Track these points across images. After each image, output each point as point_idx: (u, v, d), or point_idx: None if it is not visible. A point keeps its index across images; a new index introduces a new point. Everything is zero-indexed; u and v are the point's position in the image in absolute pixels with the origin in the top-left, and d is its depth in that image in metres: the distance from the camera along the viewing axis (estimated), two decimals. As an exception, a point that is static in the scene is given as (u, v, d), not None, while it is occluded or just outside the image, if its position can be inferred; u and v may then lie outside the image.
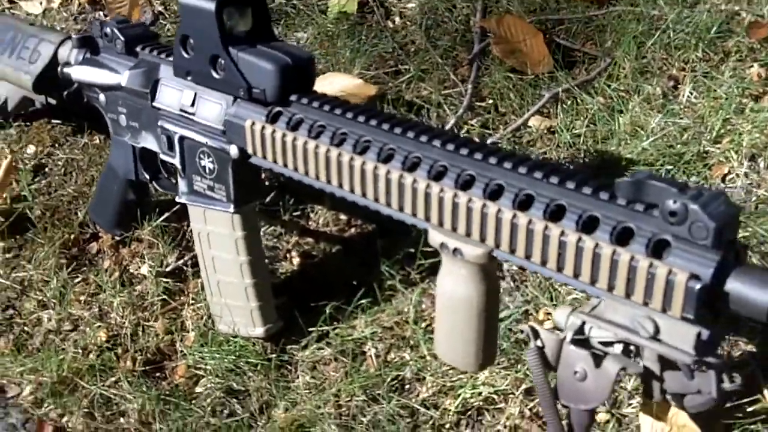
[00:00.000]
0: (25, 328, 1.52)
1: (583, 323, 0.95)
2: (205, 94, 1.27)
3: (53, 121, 1.80)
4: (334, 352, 1.40)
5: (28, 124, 1.81)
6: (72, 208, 1.67)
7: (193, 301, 1.49)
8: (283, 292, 1.49)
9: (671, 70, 1.69)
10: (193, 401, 1.38)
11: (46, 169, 1.75)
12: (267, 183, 1.60)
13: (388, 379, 1.37)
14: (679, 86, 1.67)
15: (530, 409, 1.33)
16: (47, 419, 1.39)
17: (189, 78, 1.28)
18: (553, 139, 1.63)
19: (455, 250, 1.03)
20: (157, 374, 1.44)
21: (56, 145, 1.78)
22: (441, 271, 1.08)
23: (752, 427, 1.26)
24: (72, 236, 1.62)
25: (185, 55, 1.26)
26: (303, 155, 1.14)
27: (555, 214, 0.93)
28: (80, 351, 1.45)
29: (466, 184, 1.00)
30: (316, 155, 1.12)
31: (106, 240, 1.60)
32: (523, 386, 1.34)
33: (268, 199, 1.57)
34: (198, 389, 1.40)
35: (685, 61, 1.69)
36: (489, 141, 1.63)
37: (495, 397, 1.33)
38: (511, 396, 1.34)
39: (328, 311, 1.42)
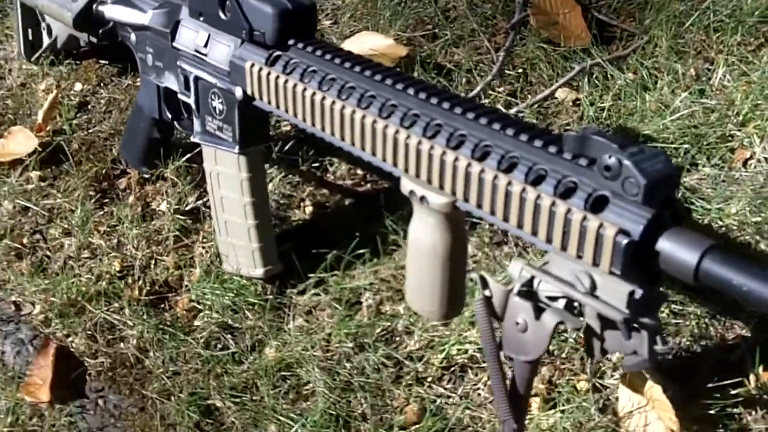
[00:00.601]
0: (47, 253, 1.59)
1: (533, 277, 0.96)
2: (216, 36, 1.32)
3: (101, 61, 1.87)
4: (330, 299, 1.43)
5: (77, 62, 1.88)
6: (107, 144, 1.74)
7: (204, 240, 1.54)
8: (290, 238, 1.52)
9: (708, 53, 1.66)
10: (190, 334, 1.43)
11: (89, 107, 1.82)
12: (292, 133, 1.64)
13: (378, 330, 1.40)
14: (712, 68, 1.64)
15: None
16: (53, 338, 1.46)
17: (201, 19, 1.33)
18: (577, 111, 1.62)
19: (422, 198, 1.05)
20: (161, 305, 1.49)
21: (101, 84, 1.86)
22: (412, 219, 1.10)
23: (735, 410, 1.24)
24: (104, 171, 1.69)
25: (197, -6, 1.31)
26: (293, 98, 1.17)
27: (507, 166, 0.94)
28: (93, 277, 1.51)
29: (432, 133, 1.02)
30: (303, 98, 1.15)
31: (133, 176, 1.66)
32: (507, 348, 1.35)
33: (286, 148, 1.61)
34: (196, 323, 1.45)
35: (723, 44, 1.66)
36: (514, 110, 1.63)
37: (478, 355, 1.34)
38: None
39: (329, 259, 1.45)
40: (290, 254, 1.45)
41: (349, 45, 1.71)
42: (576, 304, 0.94)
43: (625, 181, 0.84)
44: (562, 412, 1.28)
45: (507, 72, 1.70)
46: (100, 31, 1.59)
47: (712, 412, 1.24)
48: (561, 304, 0.95)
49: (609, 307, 0.90)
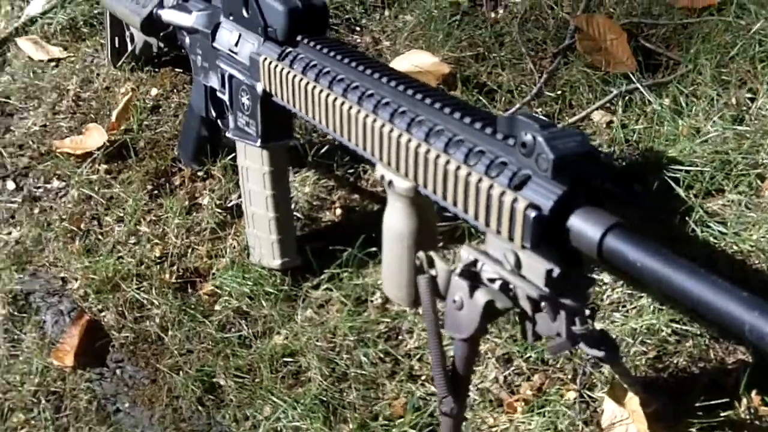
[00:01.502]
0: (99, 237, 1.72)
1: (476, 259, 1.00)
2: (245, 35, 1.41)
3: (176, 69, 2.01)
4: (341, 294, 1.50)
5: (156, 69, 2.03)
6: (170, 144, 1.86)
7: (237, 234, 1.63)
8: (318, 238, 1.60)
9: (753, 83, 1.64)
10: (208, 317, 1.52)
11: (160, 110, 1.96)
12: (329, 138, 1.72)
13: (381, 327, 1.45)
14: (755, 99, 1.62)
15: (504, 376, 1.37)
16: (88, 311, 1.58)
17: (231, 18, 1.43)
18: (609, 133, 1.64)
19: (390, 183, 1.11)
20: (188, 290, 1.59)
21: (174, 90, 1.99)
22: (387, 205, 1.15)
23: (720, 432, 1.23)
24: (163, 167, 1.82)
25: (227, -5, 1.41)
26: (293, 89, 1.26)
27: (448, 145, 0.99)
28: (133, 260, 1.63)
29: (395, 117, 1.08)
30: (300, 89, 1.24)
31: (186, 173, 1.78)
32: (499, 351, 1.38)
33: (322, 152, 1.69)
34: (216, 307, 1.54)
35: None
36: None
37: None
38: (487, 359, 1.37)
39: (344, 257, 1.51)
40: (305, 249, 1.51)
41: (397, 62, 1.79)
42: (511, 286, 0.98)
43: (539, 157, 0.88)
44: (543, 415, 1.30)
45: (547, 93, 1.73)
46: (161, 34, 1.72)
47: (693, 431, 1.23)
48: (497, 285, 0.98)
49: (530, 285, 0.93)
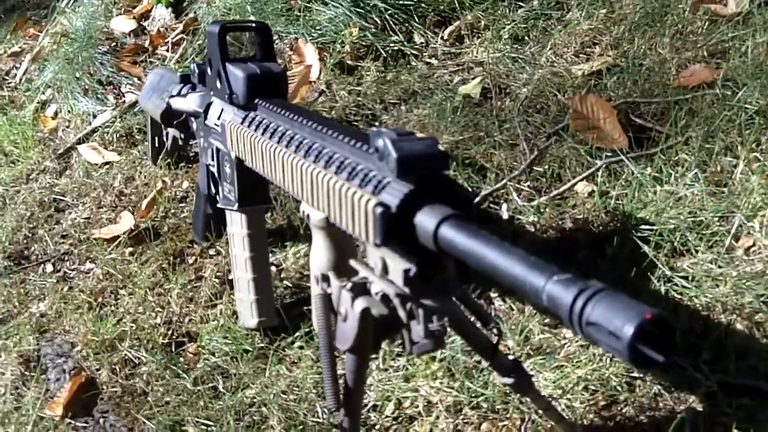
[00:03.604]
0: (113, 308, 1.84)
1: (366, 276, 1.05)
2: (225, 107, 1.54)
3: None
4: (312, 352, 1.55)
5: (190, 165, 2.19)
6: (190, 227, 1.99)
7: (230, 301, 1.72)
8: (304, 303, 1.66)
9: (736, 151, 1.65)
10: (188, 372, 1.59)
11: (188, 200, 2.11)
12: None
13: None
14: (737, 165, 1.62)
15: (454, 425, 1.37)
16: (86, 369, 1.68)
17: (212, 93, 1.57)
18: (589, 202, 1.66)
19: (308, 216, 1.18)
20: (178, 350, 1.67)
21: (203, 183, 2.14)
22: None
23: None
24: (180, 248, 1.94)
25: (209, 73, 1.55)
26: (249, 147, 1.36)
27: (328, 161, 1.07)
28: (134, 325, 1.73)
29: (304, 150, 1.16)
30: (252, 144, 1.34)
31: (197, 250, 1.90)
32: (449, 400, 1.39)
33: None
34: (199, 365, 1.61)
35: (751, 141, 1.64)
36: (535, 202, 1.70)
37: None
38: (437, 409, 1.39)
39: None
40: (279, 310, 1.58)
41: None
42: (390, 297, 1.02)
43: (387, 159, 0.94)
44: (484, 463, 1.29)
45: (536, 168, 1.77)
46: (175, 123, 1.87)
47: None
48: (380, 296, 1.02)
49: (391, 285, 0.97)
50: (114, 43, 2.89)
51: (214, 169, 1.65)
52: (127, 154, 2.40)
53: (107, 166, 2.38)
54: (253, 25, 1.53)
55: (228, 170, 1.57)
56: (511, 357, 1.19)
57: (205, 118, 1.64)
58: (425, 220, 0.90)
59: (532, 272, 0.75)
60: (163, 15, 2.93)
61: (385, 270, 0.99)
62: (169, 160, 2.19)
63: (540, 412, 1.30)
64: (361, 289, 1.03)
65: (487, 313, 1.12)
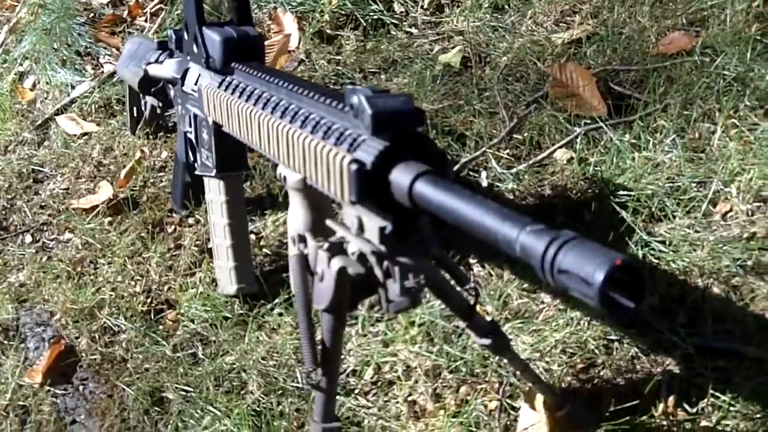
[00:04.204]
0: (91, 277, 1.83)
1: (343, 236, 1.04)
2: (202, 72, 1.53)
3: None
4: (291, 318, 1.55)
5: (169, 135, 2.18)
6: (169, 197, 1.98)
7: (209, 270, 1.71)
8: (284, 270, 1.66)
9: (715, 117, 1.65)
10: (167, 339, 1.59)
11: (167, 169, 2.10)
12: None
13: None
14: (715, 131, 1.63)
15: (433, 389, 1.38)
16: (66, 338, 1.68)
17: (189, 58, 1.56)
18: (567, 169, 1.66)
19: (284, 178, 1.18)
20: (157, 318, 1.67)
21: (182, 153, 2.13)
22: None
23: (633, 435, 1.22)
24: (159, 217, 1.93)
25: (186, 38, 1.54)
26: (223, 107, 1.35)
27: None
28: (114, 294, 1.73)
29: (286, 114, 1.16)
30: (227, 106, 1.33)
31: (176, 219, 1.89)
32: (428, 364, 1.39)
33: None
34: (178, 332, 1.61)
35: (729, 108, 1.64)
36: (514, 170, 1.70)
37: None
38: (417, 373, 1.39)
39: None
40: (258, 277, 1.58)
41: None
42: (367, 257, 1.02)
43: (362, 115, 0.94)
44: (461, 424, 1.30)
45: (515, 137, 1.77)
46: (152, 90, 1.86)
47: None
48: (356, 256, 1.02)
49: (367, 243, 0.97)
50: (92, 14, 2.86)
51: (192, 136, 1.64)
52: (106, 125, 2.38)
53: (86, 137, 2.36)
54: (230, -11, 1.52)
55: (206, 136, 1.56)
56: (488, 319, 1.19)
57: (183, 84, 1.63)
58: (400, 176, 0.90)
59: (505, 224, 0.76)
60: (142, -15, 2.90)
61: (361, 229, 0.99)
62: (147, 130, 2.17)
63: (518, 374, 1.31)
64: (337, 249, 1.03)
65: (463, 273, 1.12)
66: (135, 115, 2.19)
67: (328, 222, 1.06)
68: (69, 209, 2.07)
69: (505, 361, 1.28)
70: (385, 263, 0.97)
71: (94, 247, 1.91)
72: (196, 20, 1.47)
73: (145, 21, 2.72)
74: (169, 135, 2.18)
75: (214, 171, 1.54)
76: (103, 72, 2.61)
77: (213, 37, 1.43)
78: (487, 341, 1.16)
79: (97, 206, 2.00)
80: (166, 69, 1.70)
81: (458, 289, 1.12)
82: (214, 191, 1.57)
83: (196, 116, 1.60)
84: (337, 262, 1.01)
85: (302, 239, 1.08)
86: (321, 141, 1.03)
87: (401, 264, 0.95)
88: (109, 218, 1.98)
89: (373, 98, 0.93)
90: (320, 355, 1.08)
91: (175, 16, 2.61)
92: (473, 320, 1.15)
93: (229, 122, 1.35)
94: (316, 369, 1.07)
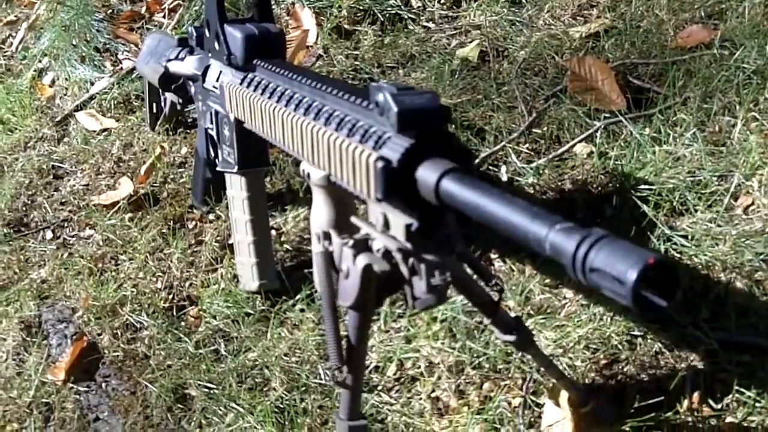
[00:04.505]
0: (113, 273, 1.84)
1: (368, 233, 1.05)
2: (224, 69, 1.53)
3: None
4: (313, 314, 1.55)
5: (189, 131, 2.19)
6: (190, 193, 1.99)
7: (230, 265, 1.72)
8: (305, 266, 1.67)
9: (735, 110, 1.65)
10: (189, 335, 1.60)
11: (187, 165, 2.10)
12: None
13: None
14: (736, 125, 1.62)
15: (456, 385, 1.38)
16: (88, 334, 1.69)
17: (210, 55, 1.56)
18: (588, 163, 1.66)
19: (308, 175, 1.18)
20: (179, 314, 1.68)
21: (202, 149, 2.14)
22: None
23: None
24: (179, 213, 1.94)
25: (207, 35, 1.54)
26: (247, 105, 1.35)
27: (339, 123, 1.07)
28: (135, 290, 1.74)
29: (304, 109, 1.16)
30: (251, 104, 1.33)
31: (197, 215, 1.90)
32: (451, 360, 1.39)
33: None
34: (200, 328, 1.62)
35: (749, 101, 1.64)
36: (534, 164, 1.70)
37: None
38: (439, 369, 1.40)
39: (319, 279, 1.57)
40: (279, 273, 1.59)
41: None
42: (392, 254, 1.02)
43: (388, 113, 0.94)
44: (486, 420, 1.30)
45: (534, 131, 1.77)
46: (173, 86, 1.86)
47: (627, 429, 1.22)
48: (381, 253, 1.02)
49: (393, 241, 0.97)
50: (110, 10, 2.87)
51: (213, 133, 1.64)
52: (125, 121, 2.39)
53: (105, 133, 2.38)
54: (250, -14, 1.52)
55: (227, 133, 1.56)
56: (512, 315, 1.19)
57: (204, 81, 1.63)
58: (426, 173, 0.90)
59: (534, 222, 0.76)
60: (159, -19, 2.91)
61: (386, 226, 0.99)
62: (167, 126, 2.18)
63: (541, 370, 1.31)
64: (362, 246, 1.03)
65: (487, 269, 1.12)
66: (154, 111, 2.20)
67: (353, 219, 1.06)
68: (89, 205, 2.08)
69: (529, 357, 1.28)
70: (411, 260, 0.97)
71: (115, 243, 1.92)
72: (218, 17, 1.47)
73: (164, 17, 2.73)
74: (188, 131, 2.19)
75: (236, 167, 1.55)
76: (122, 68, 2.62)
77: (234, 34, 1.43)
78: (511, 338, 1.16)
79: (117, 202, 2.00)
80: (187, 66, 1.70)
81: (482, 285, 1.13)
82: (236, 187, 1.58)
83: (217, 113, 1.60)
84: (362, 259, 1.01)
85: (327, 236, 1.08)
86: (346, 138, 1.03)
87: (427, 261, 0.96)
88: (130, 214, 1.99)
89: (399, 96, 0.93)
90: (345, 352, 1.08)
91: (193, 12, 2.62)
92: (497, 317, 1.15)
93: (251, 119, 1.36)
94: (341, 367, 1.08)
